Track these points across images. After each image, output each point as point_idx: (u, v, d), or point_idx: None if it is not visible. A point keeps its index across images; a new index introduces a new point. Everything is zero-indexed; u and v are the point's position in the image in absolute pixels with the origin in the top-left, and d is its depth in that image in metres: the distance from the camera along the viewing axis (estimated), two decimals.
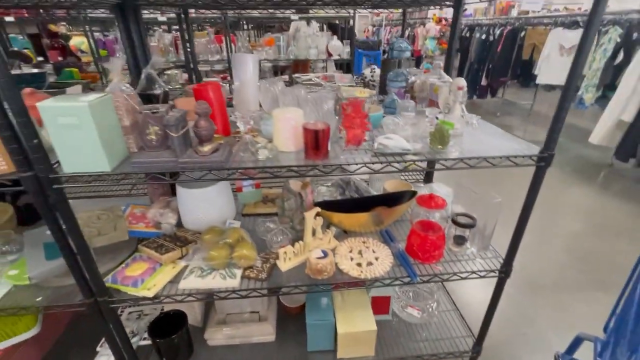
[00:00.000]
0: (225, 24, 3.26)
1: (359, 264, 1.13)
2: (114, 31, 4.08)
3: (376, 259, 1.16)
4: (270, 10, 2.95)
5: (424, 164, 0.94)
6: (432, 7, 1.61)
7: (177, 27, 5.22)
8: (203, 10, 2.57)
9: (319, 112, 1.01)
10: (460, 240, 1.19)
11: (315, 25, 3.74)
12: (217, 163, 0.83)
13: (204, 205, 1.22)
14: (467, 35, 6.08)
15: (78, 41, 3.38)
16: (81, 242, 0.89)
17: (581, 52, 0.80)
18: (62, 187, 0.81)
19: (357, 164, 0.88)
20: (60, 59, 3.31)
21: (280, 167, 0.86)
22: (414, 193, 1.30)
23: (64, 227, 0.86)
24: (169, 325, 1.22)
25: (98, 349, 1.29)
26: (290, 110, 0.95)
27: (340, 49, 3.67)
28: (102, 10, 2.13)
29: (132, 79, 1.33)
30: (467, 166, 0.91)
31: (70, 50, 3.36)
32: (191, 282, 1.05)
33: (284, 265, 1.12)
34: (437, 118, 1.03)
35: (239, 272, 1.08)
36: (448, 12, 7.74)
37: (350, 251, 1.20)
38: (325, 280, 1.07)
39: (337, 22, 5.64)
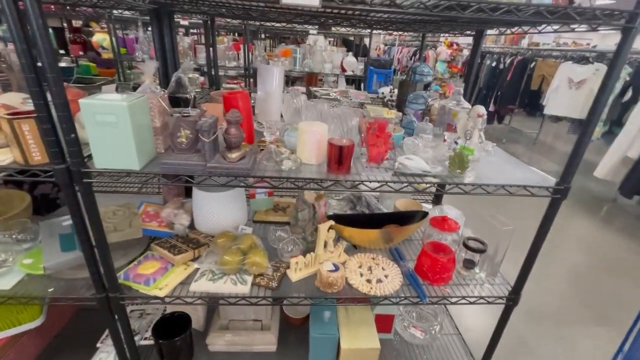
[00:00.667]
0: (246, 32, 3.34)
1: (369, 280, 1.14)
2: (132, 30, 4.18)
3: (386, 276, 1.16)
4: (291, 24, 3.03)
5: (442, 187, 0.96)
6: (451, 35, 1.67)
7: (194, 30, 5.35)
8: (226, 20, 2.65)
9: (343, 128, 1.04)
10: (469, 265, 1.20)
11: (325, 41, 3.83)
12: (243, 170, 0.85)
13: (219, 208, 1.24)
14: (478, 61, 6.21)
15: (100, 38, 3.45)
16: (101, 237, 0.90)
17: (604, 90, 0.83)
18: (91, 182, 0.82)
19: (378, 182, 0.90)
20: (81, 53, 3.38)
21: (304, 178, 0.88)
22: (425, 214, 1.31)
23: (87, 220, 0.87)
24: (172, 327, 1.22)
25: (98, 345, 1.28)
26: (316, 124, 0.97)
27: (354, 65, 3.74)
28: (132, 12, 2.20)
29: (160, 81, 1.37)
30: (485, 192, 0.93)
31: (92, 45, 3.43)
32: (202, 285, 1.05)
33: (295, 275, 1.13)
34: (456, 143, 1.05)
35: (249, 279, 1.09)
36: (460, 37, 7.92)
37: (360, 267, 1.21)
38: (335, 294, 1.08)
39: (351, 38, 5.77)
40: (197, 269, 1.12)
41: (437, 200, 1.75)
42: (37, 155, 0.81)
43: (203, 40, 4.81)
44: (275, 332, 1.35)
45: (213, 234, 1.25)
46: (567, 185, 0.94)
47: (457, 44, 8.32)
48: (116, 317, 1.04)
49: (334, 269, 1.10)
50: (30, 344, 1.24)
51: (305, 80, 4.08)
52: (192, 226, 1.30)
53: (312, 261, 1.16)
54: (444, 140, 1.14)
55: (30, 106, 0.89)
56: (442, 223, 1.19)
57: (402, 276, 1.17)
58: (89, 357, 1.22)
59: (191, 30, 5.31)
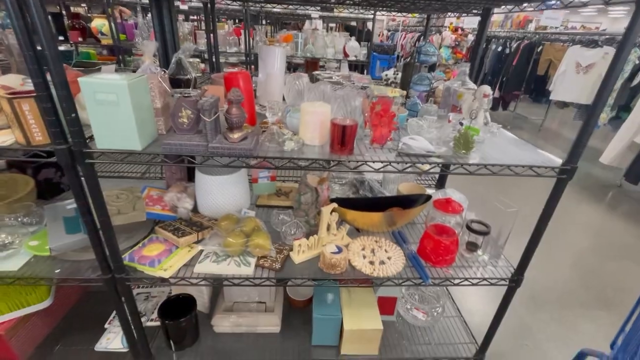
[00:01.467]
0: (246, 17, 3.28)
1: (372, 262, 1.14)
2: (132, 16, 4.12)
3: (388, 258, 1.17)
4: (292, 7, 2.96)
5: (446, 168, 0.95)
6: (451, 15, 1.62)
7: (194, 17, 5.28)
8: (226, 2, 2.59)
9: (346, 109, 1.03)
10: (472, 247, 1.20)
11: (323, 25, 3.75)
12: (245, 150, 0.85)
13: (222, 192, 1.23)
14: (483, 46, 6.08)
15: (99, 23, 3.40)
16: (105, 219, 0.90)
17: (614, 68, 0.81)
18: (93, 162, 0.82)
19: (382, 162, 0.89)
20: (80, 39, 3.34)
21: (307, 159, 0.87)
22: (428, 197, 1.30)
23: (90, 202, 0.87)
24: (178, 309, 1.24)
25: (106, 326, 1.30)
26: (319, 105, 0.96)
27: (357, 50, 3.68)
28: None
29: (160, 64, 1.35)
30: (490, 172, 0.92)
31: (91, 31, 3.39)
32: (206, 267, 1.06)
33: (298, 257, 1.13)
34: (461, 124, 1.03)
35: (253, 261, 1.10)
36: (465, 22, 7.75)
37: (363, 249, 1.21)
38: (338, 276, 1.08)
39: (353, 24, 5.66)
40: (201, 251, 1.13)
41: (440, 184, 1.74)
42: (39, 135, 0.81)
43: (203, 27, 4.74)
44: (279, 313, 1.37)
45: (216, 218, 1.25)
46: (573, 166, 0.93)
47: (462, 29, 8.13)
48: (123, 298, 1.06)
49: (337, 250, 1.10)
50: (40, 325, 1.27)
51: (305, 67, 4.01)
52: (195, 210, 1.31)
53: (315, 243, 1.16)
54: (449, 121, 1.12)
55: (29, 86, 0.88)
56: (445, 205, 1.18)
57: (405, 258, 1.18)
58: (98, 338, 1.25)
59: (191, 17, 5.24)
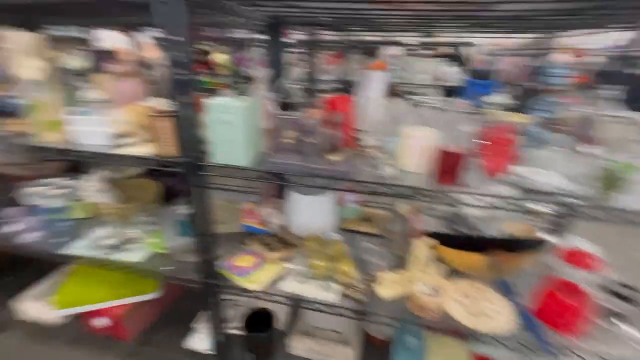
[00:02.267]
0: (342, 46, 3.44)
1: (472, 312, 0.98)
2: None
3: (493, 311, 0.99)
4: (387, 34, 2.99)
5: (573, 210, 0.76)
6: (589, 33, 1.32)
7: (292, 49, 5.79)
8: (326, 33, 2.77)
9: (452, 135, 0.94)
10: (614, 316, 0.93)
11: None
12: (343, 173, 0.83)
13: (313, 212, 1.24)
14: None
15: (218, 56, 4.04)
16: (211, 227, 0.99)
17: None
18: (208, 175, 0.91)
19: (496, 197, 0.77)
20: (201, 70, 4.00)
21: (408, 187, 0.81)
22: (543, 242, 1.08)
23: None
24: (256, 320, 1.26)
25: (194, 325, 1.41)
26: (422, 130, 0.90)
27: (451, 75, 3.49)
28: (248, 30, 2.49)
29: (269, 89, 1.48)
30: None
31: (210, 63, 4.04)
32: (290, 285, 1.06)
33: (383, 291, 1.05)
34: (607, 159, 0.83)
35: (336, 287, 1.05)
36: (588, 41, 6.70)
37: (461, 294, 1.05)
38: (431, 322, 0.96)
39: (449, 49, 5.42)
40: (287, 269, 1.14)
41: (557, 230, 1.44)
42: (170, 148, 0.93)
43: (299, 55, 5.18)
44: (355, 347, 1.28)
45: (304, 236, 1.26)
46: None
47: (581, 50, 7.03)
48: (213, 302, 1.13)
49: (429, 291, 0.98)
50: (147, 314, 1.44)
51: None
52: (285, 227, 1.34)
53: (403, 279, 1.06)
54: (583, 154, 0.92)
55: (168, 108, 1.04)
56: (578, 257, 0.95)
57: (514, 314, 0.98)
58: (187, 333, 1.36)
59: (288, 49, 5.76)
